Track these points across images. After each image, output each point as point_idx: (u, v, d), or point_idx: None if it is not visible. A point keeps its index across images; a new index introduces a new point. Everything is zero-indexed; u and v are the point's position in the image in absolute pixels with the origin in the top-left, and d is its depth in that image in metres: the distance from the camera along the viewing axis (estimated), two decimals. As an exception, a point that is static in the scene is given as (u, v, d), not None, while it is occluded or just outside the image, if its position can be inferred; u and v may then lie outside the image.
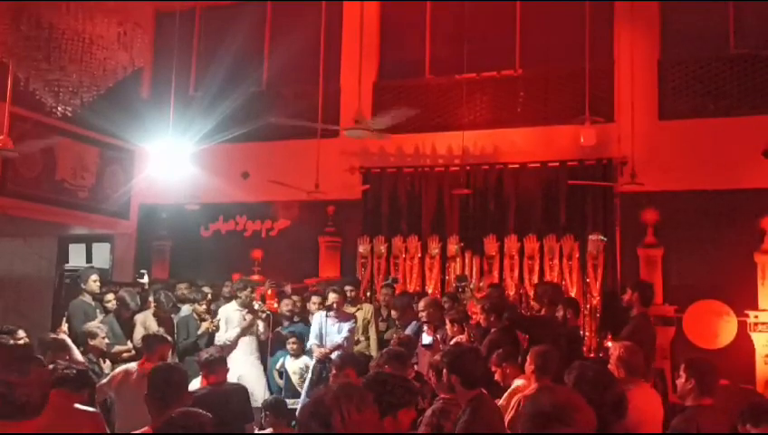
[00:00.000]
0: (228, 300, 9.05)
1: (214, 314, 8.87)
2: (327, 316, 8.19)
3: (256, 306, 8.55)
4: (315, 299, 9.07)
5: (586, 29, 9.66)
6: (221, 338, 8.31)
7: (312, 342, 8.29)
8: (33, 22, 4.42)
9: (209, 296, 9.27)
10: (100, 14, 4.47)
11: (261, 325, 8.58)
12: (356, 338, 8.47)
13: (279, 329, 8.84)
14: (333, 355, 7.70)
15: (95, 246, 12.74)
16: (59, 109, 5.05)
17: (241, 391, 6.37)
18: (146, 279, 10.31)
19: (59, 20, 4.41)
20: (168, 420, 2.71)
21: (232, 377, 6.77)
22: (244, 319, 8.43)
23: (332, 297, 8.25)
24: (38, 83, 4.83)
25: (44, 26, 4.42)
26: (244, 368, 8.12)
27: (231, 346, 8.27)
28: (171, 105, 9.09)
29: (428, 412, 4.48)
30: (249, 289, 8.58)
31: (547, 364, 5.11)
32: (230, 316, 8.46)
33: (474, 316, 8.54)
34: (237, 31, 11.60)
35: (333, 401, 2.51)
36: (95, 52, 4.57)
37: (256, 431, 6.61)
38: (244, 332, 8.39)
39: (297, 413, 6.98)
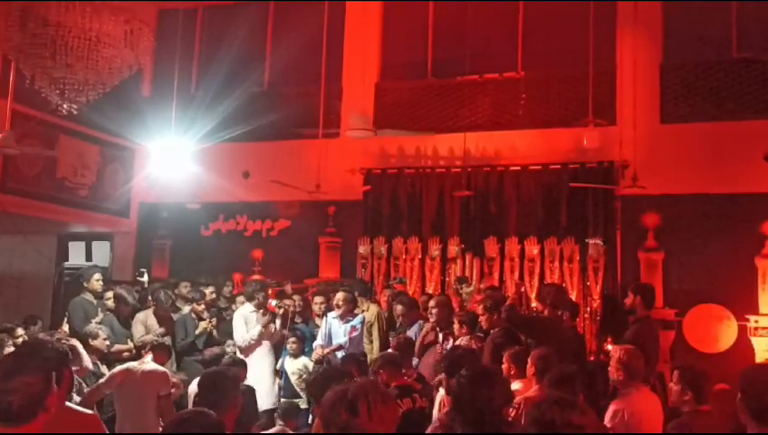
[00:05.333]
0: (229, 300, 9.02)
1: (212, 313, 8.85)
2: (333, 317, 8.18)
3: (273, 303, 8.54)
4: (318, 299, 9.05)
5: (589, 32, 9.68)
6: (245, 338, 8.27)
7: (317, 342, 8.27)
8: (40, 20, 4.41)
9: (207, 297, 9.24)
10: (106, 13, 4.47)
11: (277, 323, 8.57)
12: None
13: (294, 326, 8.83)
14: (338, 354, 7.69)
15: (95, 244, 12.72)
16: (64, 106, 5.04)
17: (248, 393, 6.38)
18: (146, 278, 10.29)
19: (65, 18, 4.40)
20: (171, 421, 2.71)
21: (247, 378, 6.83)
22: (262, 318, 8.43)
23: (339, 296, 8.23)
24: (44, 81, 4.83)
25: (51, 24, 4.41)
26: (259, 370, 8.11)
27: (255, 345, 8.27)
28: (173, 104, 9.08)
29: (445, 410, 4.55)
30: (265, 291, 8.57)
31: (548, 367, 5.09)
32: (248, 317, 8.43)
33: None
34: (239, 30, 11.60)
35: (360, 390, 2.57)
36: (101, 50, 4.57)
37: (262, 432, 6.61)
38: (265, 329, 8.39)
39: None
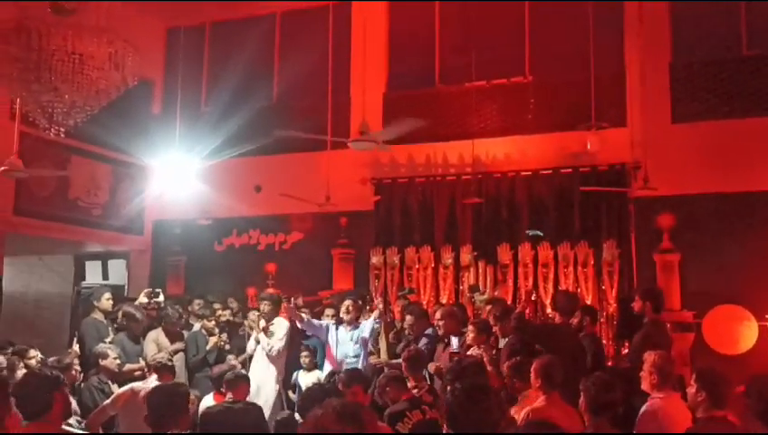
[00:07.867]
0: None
1: (222, 329, 8.86)
2: (339, 326, 8.15)
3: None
4: (329, 312, 9.02)
5: (595, 34, 9.58)
6: (274, 347, 8.25)
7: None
8: (24, 43, 4.43)
9: (218, 313, 9.25)
10: (88, 35, 4.47)
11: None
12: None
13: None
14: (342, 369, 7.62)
15: (111, 263, 12.80)
16: (52, 130, 5.07)
17: (255, 410, 6.30)
18: (161, 298, 10.30)
19: (48, 41, 4.41)
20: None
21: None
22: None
23: (347, 304, 8.19)
24: (31, 105, 4.85)
25: (34, 48, 4.43)
26: (262, 380, 8.08)
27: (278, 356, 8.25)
28: (177, 120, 9.13)
29: None
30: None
31: (552, 377, 5.00)
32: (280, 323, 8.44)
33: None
34: (247, 45, 11.68)
35: (334, 418, 2.46)
36: (86, 72, 4.57)
37: None
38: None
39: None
